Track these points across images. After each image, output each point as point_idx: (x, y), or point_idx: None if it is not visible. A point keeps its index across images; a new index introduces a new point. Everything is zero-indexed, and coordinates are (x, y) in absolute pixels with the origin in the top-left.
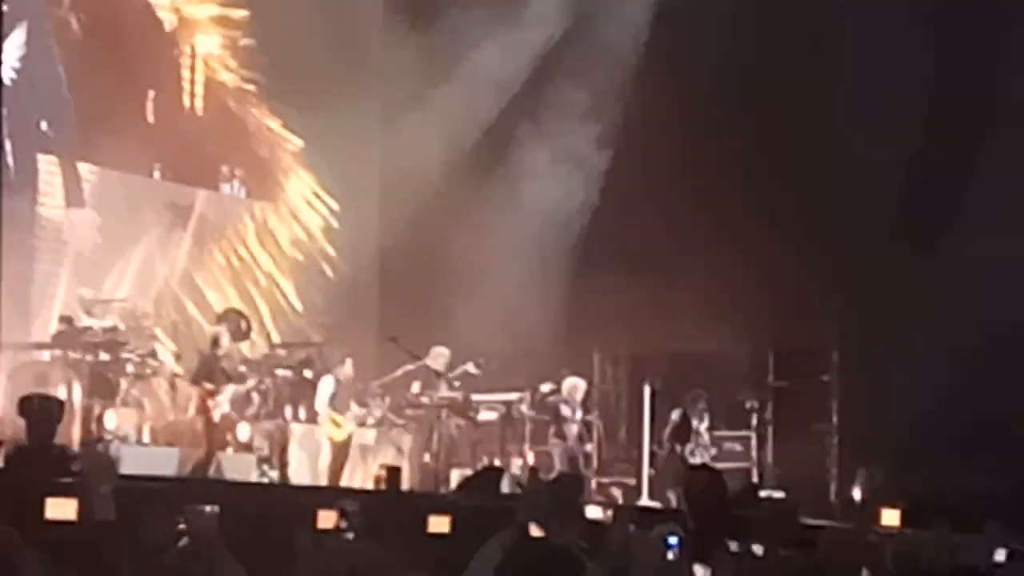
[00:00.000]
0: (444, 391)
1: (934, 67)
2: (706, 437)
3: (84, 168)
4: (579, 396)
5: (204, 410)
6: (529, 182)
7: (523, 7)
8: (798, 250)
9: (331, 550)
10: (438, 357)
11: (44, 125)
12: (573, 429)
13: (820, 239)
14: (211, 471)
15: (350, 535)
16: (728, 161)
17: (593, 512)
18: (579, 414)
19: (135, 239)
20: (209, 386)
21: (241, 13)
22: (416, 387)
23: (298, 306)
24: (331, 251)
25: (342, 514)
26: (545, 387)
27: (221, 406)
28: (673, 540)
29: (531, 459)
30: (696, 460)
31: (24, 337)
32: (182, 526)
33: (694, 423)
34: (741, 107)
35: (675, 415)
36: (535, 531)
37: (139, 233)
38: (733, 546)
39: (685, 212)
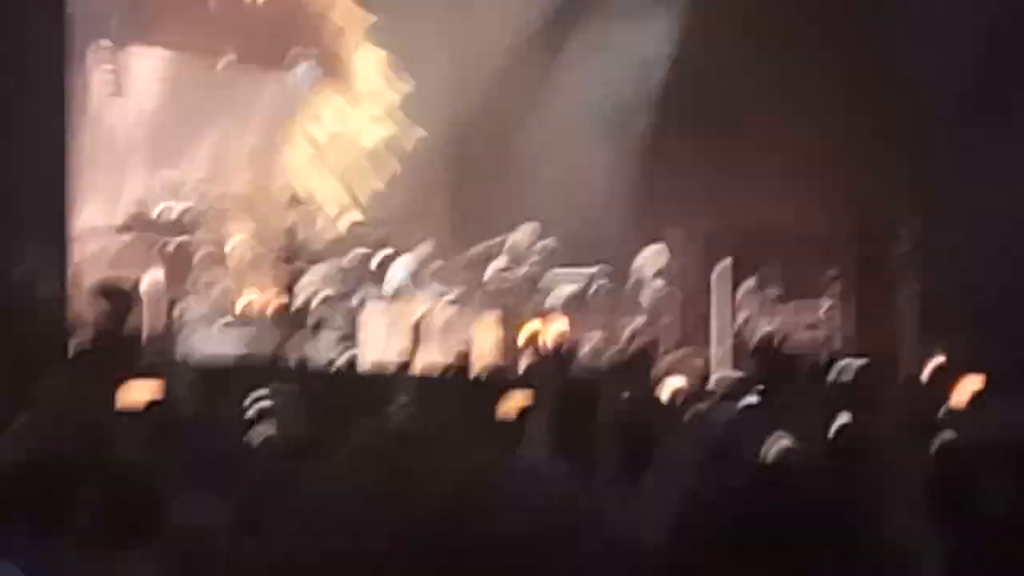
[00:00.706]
0: (527, 268)
1: None
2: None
3: (152, 53)
4: (661, 262)
5: (287, 288)
6: (598, 57)
7: None
8: (876, 122)
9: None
10: (527, 232)
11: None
12: (650, 297)
13: (899, 110)
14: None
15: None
16: (798, 34)
17: (675, 382)
18: (659, 282)
19: (208, 123)
20: (296, 264)
21: None
22: (502, 262)
23: (377, 185)
24: (407, 129)
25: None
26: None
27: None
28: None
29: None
30: (769, 329)
31: (99, 220)
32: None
33: (769, 292)
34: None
35: (749, 284)
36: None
37: (211, 118)
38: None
39: (757, 88)
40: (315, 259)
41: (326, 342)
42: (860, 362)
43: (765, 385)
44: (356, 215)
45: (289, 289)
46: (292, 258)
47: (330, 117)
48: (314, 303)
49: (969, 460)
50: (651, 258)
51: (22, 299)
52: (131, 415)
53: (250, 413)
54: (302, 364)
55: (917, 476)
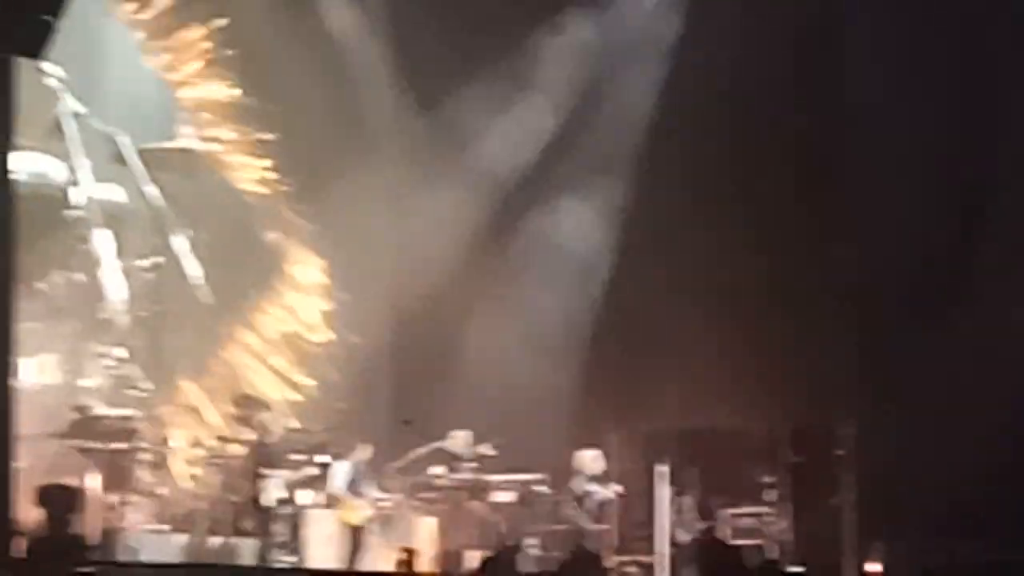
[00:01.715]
0: (464, 473)
1: (946, 139)
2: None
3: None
4: (598, 468)
5: (255, 499)
6: (542, 263)
7: (530, 87)
8: (811, 325)
9: None
10: (458, 439)
11: None
12: (589, 504)
13: (833, 312)
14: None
15: None
16: (739, 235)
17: None
18: (594, 488)
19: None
20: (266, 472)
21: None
22: (438, 470)
23: (312, 392)
24: (343, 336)
25: None
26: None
27: (272, 491)
28: None
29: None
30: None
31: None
32: None
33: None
34: (750, 179)
35: (688, 497)
36: None
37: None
38: None
39: (698, 290)
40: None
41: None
42: (797, 570)
43: None
44: (292, 420)
45: (254, 499)
46: (261, 464)
47: (272, 323)
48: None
49: None
50: (588, 463)
51: None
52: None
53: None
54: (240, 570)
55: None
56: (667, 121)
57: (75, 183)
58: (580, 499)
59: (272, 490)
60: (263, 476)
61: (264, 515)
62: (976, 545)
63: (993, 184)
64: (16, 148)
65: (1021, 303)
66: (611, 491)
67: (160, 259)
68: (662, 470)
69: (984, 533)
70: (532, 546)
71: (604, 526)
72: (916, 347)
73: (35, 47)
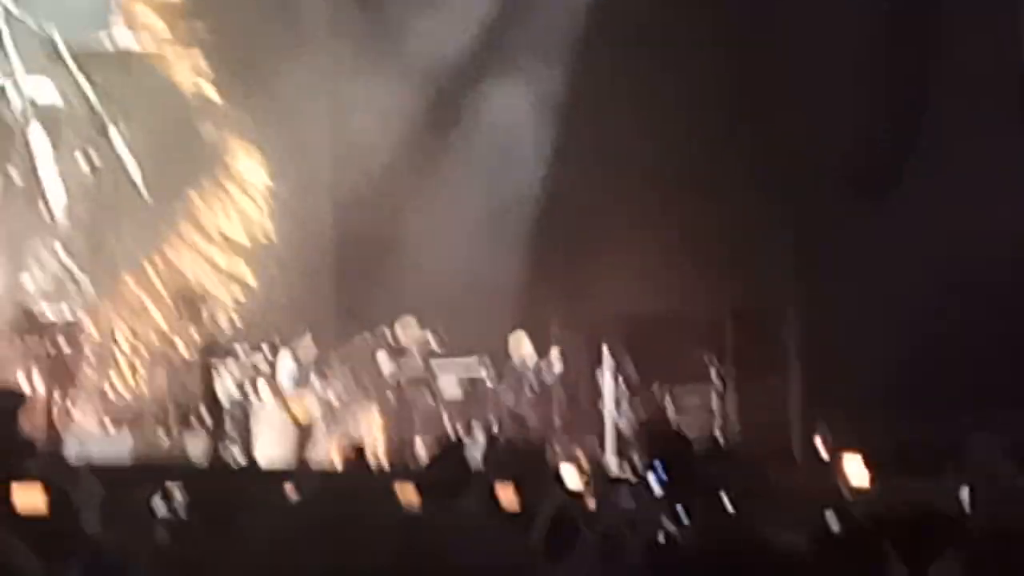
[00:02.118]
0: (411, 365)
1: (888, 23)
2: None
3: None
4: (528, 357)
5: (211, 393)
6: (481, 151)
7: None
8: (753, 208)
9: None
10: (406, 327)
11: None
12: (527, 393)
13: (774, 192)
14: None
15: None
16: (678, 120)
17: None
18: (529, 371)
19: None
20: (218, 366)
21: None
22: (381, 360)
23: (254, 286)
24: (284, 230)
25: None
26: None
27: (225, 386)
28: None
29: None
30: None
31: None
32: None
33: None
34: (689, 62)
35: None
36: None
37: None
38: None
39: (638, 175)
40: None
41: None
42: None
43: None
44: (234, 317)
45: (210, 391)
46: (208, 355)
47: (213, 214)
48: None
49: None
50: (515, 345)
51: None
52: (28, 521)
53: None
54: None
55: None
56: (602, 5)
57: (10, 81)
58: (516, 384)
59: (225, 385)
60: (215, 370)
61: (217, 410)
62: (912, 419)
63: (936, 68)
64: None
65: (962, 178)
66: (554, 375)
67: (97, 157)
68: (607, 351)
69: (920, 408)
70: (478, 437)
71: (544, 411)
72: (855, 229)
73: None
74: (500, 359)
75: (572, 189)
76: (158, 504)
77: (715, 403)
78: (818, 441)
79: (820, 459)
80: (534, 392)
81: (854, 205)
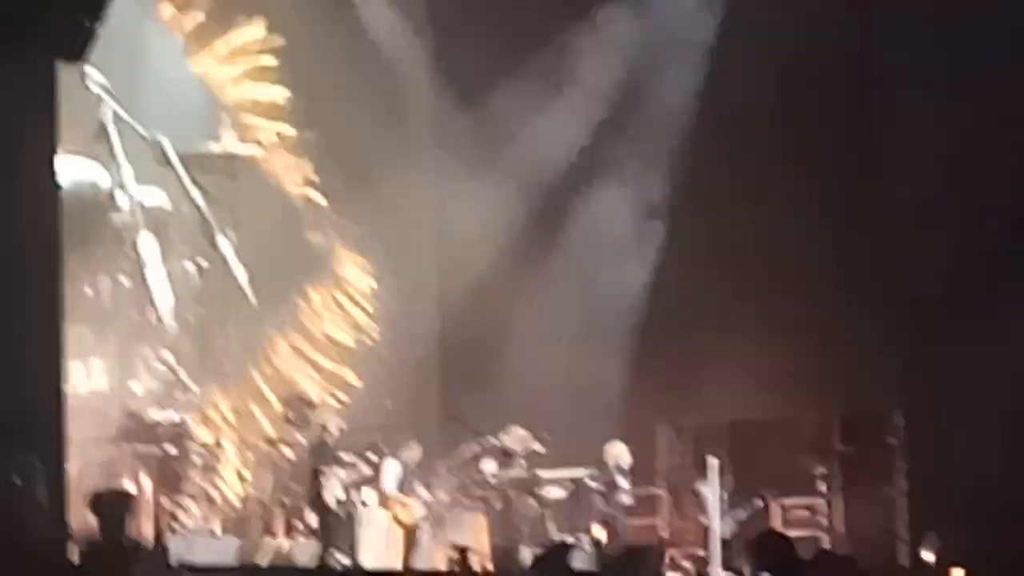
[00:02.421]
0: (515, 470)
1: (991, 131)
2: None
3: None
4: (624, 463)
5: (319, 498)
6: (587, 256)
7: (573, 76)
8: (859, 313)
9: None
10: (513, 436)
11: None
12: (623, 499)
13: (881, 301)
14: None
15: None
16: (785, 228)
17: None
18: (625, 482)
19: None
20: (327, 472)
21: (283, 93)
22: (488, 466)
23: (359, 392)
24: (390, 333)
25: None
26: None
27: (333, 491)
28: None
29: (601, 534)
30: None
31: (93, 431)
32: None
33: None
34: (797, 171)
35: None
36: None
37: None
38: None
39: (744, 281)
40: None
41: (315, 549)
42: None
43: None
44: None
45: (318, 496)
46: (327, 462)
47: (318, 323)
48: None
49: None
50: (615, 456)
51: (22, 505)
52: None
53: None
54: (295, 571)
55: None
56: (711, 108)
57: (119, 187)
58: (609, 494)
59: (333, 489)
60: (323, 475)
61: (325, 515)
62: (1017, 533)
63: None
64: (60, 153)
65: None
66: (661, 486)
67: (205, 262)
68: (712, 462)
69: None
70: (583, 542)
71: (648, 520)
72: (964, 336)
73: (76, 51)
74: (603, 467)
75: (681, 298)
76: None
77: (822, 511)
78: (925, 552)
79: (928, 570)
80: (623, 497)
81: (966, 310)
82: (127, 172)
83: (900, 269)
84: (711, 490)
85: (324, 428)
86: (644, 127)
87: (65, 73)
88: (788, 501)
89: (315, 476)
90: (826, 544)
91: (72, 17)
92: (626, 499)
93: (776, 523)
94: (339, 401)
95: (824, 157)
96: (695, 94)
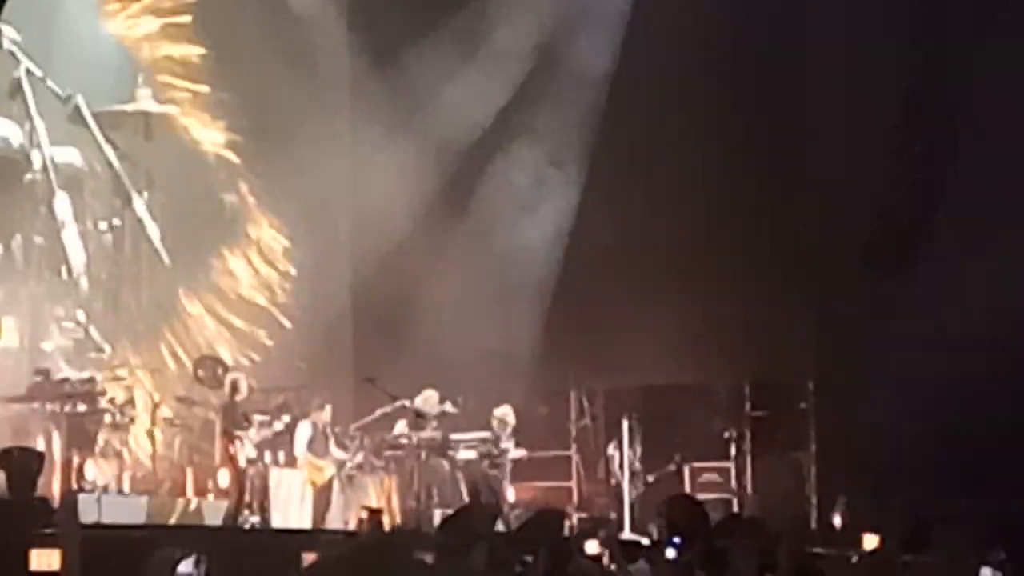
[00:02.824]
0: (428, 432)
1: (905, 83)
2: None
3: None
4: (509, 425)
5: (230, 458)
6: (500, 219)
7: (487, 41)
8: (770, 279)
9: None
10: (427, 399)
11: None
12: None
13: (792, 267)
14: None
15: None
16: (698, 192)
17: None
18: (510, 444)
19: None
20: (238, 432)
21: (198, 51)
22: (401, 427)
23: (272, 351)
24: (303, 295)
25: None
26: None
27: (244, 451)
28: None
29: (511, 496)
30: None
31: (3, 389)
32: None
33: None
34: (710, 135)
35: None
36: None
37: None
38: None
39: (657, 245)
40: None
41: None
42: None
43: (684, 537)
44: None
45: (234, 456)
46: (237, 423)
47: (231, 283)
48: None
49: None
50: (499, 417)
51: None
52: None
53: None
54: (208, 530)
55: None
56: (625, 77)
57: (33, 146)
58: (498, 456)
59: (244, 449)
60: (235, 436)
61: (236, 475)
62: (927, 497)
63: (954, 150)
64: None
65: (978, 255)
66: (572, 449)
67: (118, 221)
68: (624, 425)
69: (942, 486)
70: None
71: (560, 483)
72: (873, 305)
73: None
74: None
75: (592, 261)
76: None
77: (733, 475)
78: (836, 516)
79: (837, 534)
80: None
81: (874, 280)
82: (41, 131)
83: (813, 234)
84: (622, 452)
85: (235, 388)
86: (557, 90)
87: None
88: (699, 465)
89: (225, 436)
90: (736, 508)
91: None
92: (510, 461)
93: (688, 487)
94: (251, 361)
95: (739, 117)
96: (609, 58)
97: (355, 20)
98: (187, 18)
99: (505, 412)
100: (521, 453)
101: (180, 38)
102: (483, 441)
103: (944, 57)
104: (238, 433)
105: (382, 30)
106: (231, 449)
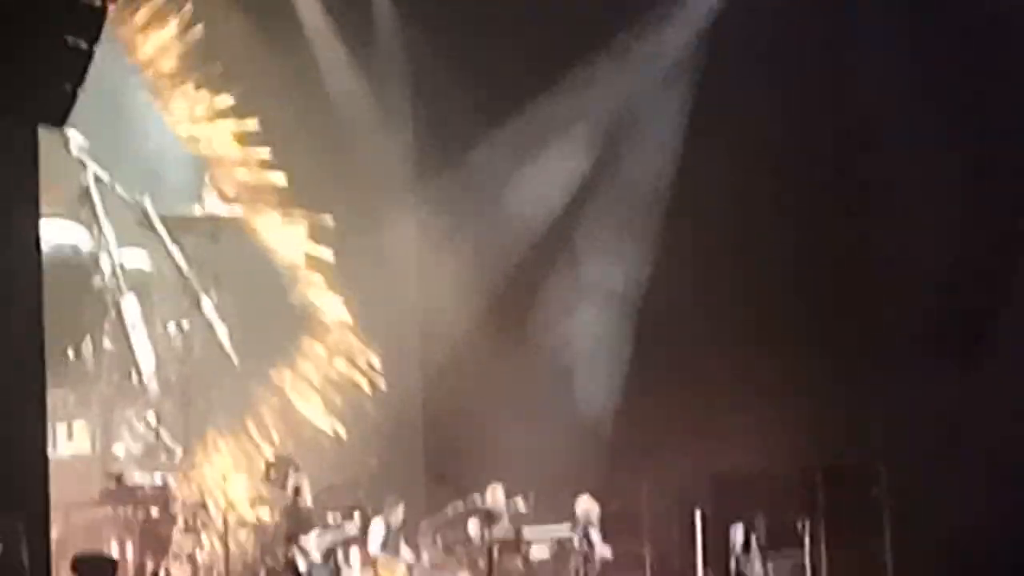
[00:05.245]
0: (501, 528)
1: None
2: (757, 558)
3: None
4: (594, 517)
5: (288, 563)
6: (566, 314)
7: (550, 146)
8: (840, 367)
9: None
10: (498, 496)
11: None
12: (600, 553)
13: (863, 354)
14: None
15: None
16: (770, 276)
17: None
18: (596, 536)
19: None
20: (302, 537)
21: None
22: (472, 526)
23: (344, 447)
24: (373, 389)
25: None
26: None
27: (310, 555)
28: None
29: None
30: None
31: (76, 495)
32: None
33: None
34: (784, 220)
35: (737, 533)
36: None
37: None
38: None
39: (723, 338)
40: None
41: None
42: None
43: None
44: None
45: (290, 564)
46: (301, 527)
47: (300, 381)
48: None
49: None
50: (584, 510)
51: (4, 569)
52: None
53: None
54: None
55: None
56: (696, 163)
57: (102, 250)
58: (586, 552)
59: (310, 553)
60: (297, 540)
61: None
62: None
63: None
64: (43, 217)
65: None
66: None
67: (187, 323)
68: (697, 515)
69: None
70: None
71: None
72: (943, 387)
73: (57, 116)
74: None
75: (663, 351)
76: None
77: (807, 564)
78: None
79: None
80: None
81: (944, 363)
82: (110, 235)
83: (883, 321)
84: (698, 541)
85: (297, 491)
86: (630, 181)
87: (46, 138)
88: (773, 552)
89: (289, 541)
90: None
91: (53, 82)
92: (603, 553)
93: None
94: (324, 457)
95: (812, 206)
96: (683, 144)
97: (421, 114)
98: (253, 121)
99: (589, 504)
100: (607, 551)
101: (246, 141)
102: (558, 540)
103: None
104: (301, 537)
105: (449, 124)
106: (292, 555)
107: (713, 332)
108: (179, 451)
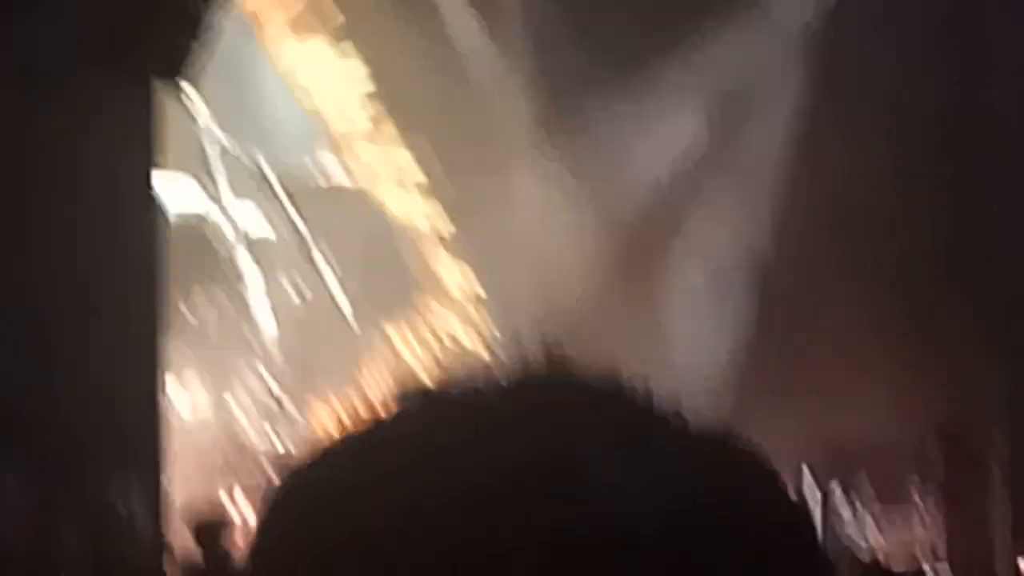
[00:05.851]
0: None
1: None
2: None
3: None
4: None
5: None
6: (687, 285)
7: (677, 98)
8: (956, 328)
9: None
10: None
11: None
12: None
13: (979, 315)
14: None
15: None
16: (887, 245)
17: None
18: None
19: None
20: None
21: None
22: None
23: None
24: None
25: None
26: None
27: None
28: None
29: None
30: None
31: (197, 461)
32: None
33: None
34: (901, 189)
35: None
36: None
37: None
38: None
39: (843, 300)
40: None
41: None
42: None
43: None
44: None
45: None
46: None
47: (419, 344)
48: None
49: None
50: None
51: (121, 529)
52: None
53: None
54: None
55: None
56: (818, 131)
57: (218, 207)
58: None
59: None
60: None
61: None
62: None
63: None
64: (160, 169)
65: None
66: None
67: (307, 290)
68: (808, 475)
69: None
70: None
71: None
72: None
73: (173, 69)
74: None
75: (782, 317)
76: None
77: (918, 527)
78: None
79: None
80: None
81: None
82: (226, 192)
83: (1002, 282)
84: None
85: None
86: (750, 147)
87: (162, 92)
88: (888, 510)
89: None
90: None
91: (171, 36)
92: None
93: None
94: None
95: (931, 177)
96: (806, 111)
97: (540, 76)
98: (371, 88)
99: None
100: None
101: (367, 110)
102: None
103: None
104: None
105: (568, 86)
106: None
107: (834, 299)
108: (299, 418)
